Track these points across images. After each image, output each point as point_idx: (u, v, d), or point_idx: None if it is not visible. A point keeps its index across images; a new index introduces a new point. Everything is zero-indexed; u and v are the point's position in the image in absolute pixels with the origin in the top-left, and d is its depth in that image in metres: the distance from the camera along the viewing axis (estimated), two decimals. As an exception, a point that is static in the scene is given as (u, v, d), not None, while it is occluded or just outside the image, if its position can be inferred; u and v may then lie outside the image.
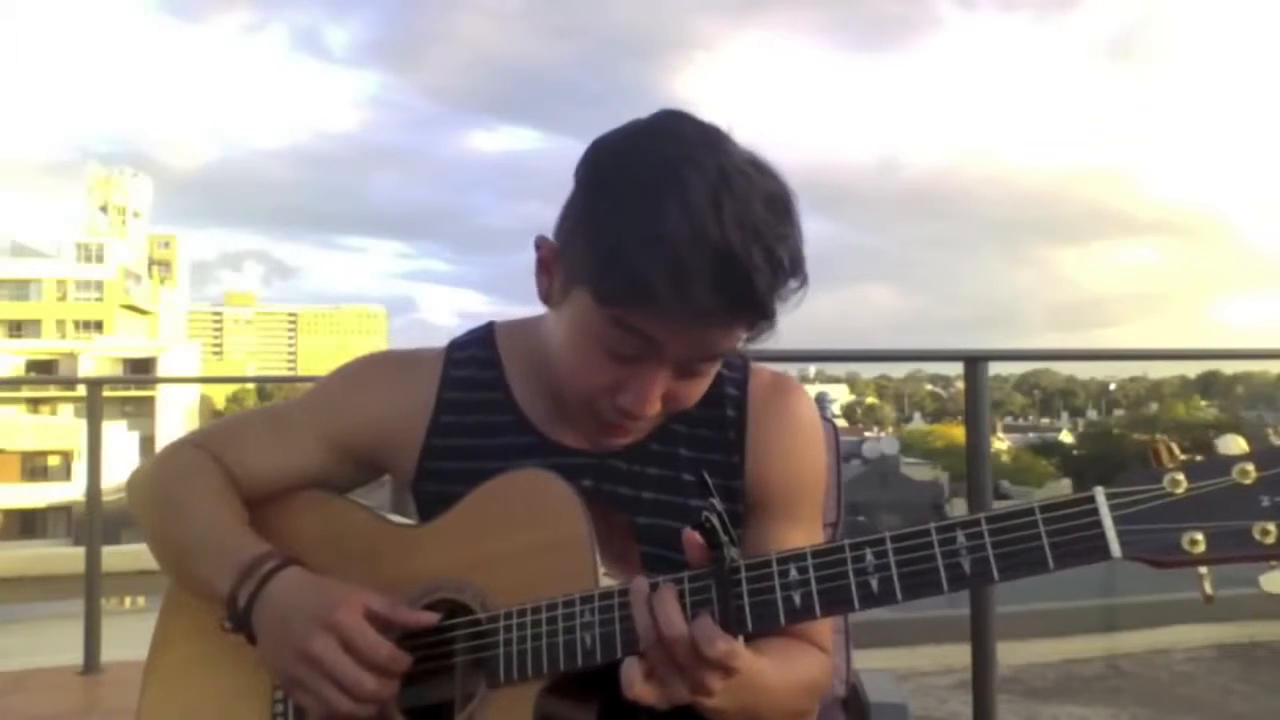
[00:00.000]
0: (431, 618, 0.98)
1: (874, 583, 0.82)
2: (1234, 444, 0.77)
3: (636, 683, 0.85)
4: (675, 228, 0.89)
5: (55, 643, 4.09)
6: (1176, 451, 0.78)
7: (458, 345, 1.17)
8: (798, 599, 0.84)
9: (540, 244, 1.03)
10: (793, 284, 0.95)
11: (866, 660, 1.56)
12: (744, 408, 1.10)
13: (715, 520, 0.85)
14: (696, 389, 1.03)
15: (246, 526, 1.08)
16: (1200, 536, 0.75)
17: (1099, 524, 0.77)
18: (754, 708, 0.92)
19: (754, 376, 1.13)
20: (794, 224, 0.95)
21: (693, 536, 0.87)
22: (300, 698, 0.97)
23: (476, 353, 1.15)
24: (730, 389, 1.11)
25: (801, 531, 1.09)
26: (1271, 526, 0.74)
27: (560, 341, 1.02)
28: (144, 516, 1.13)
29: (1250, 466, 0.75)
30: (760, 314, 0.94)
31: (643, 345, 0.95)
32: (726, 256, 0.89)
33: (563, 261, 1.00)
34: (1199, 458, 0.77)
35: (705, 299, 0.89)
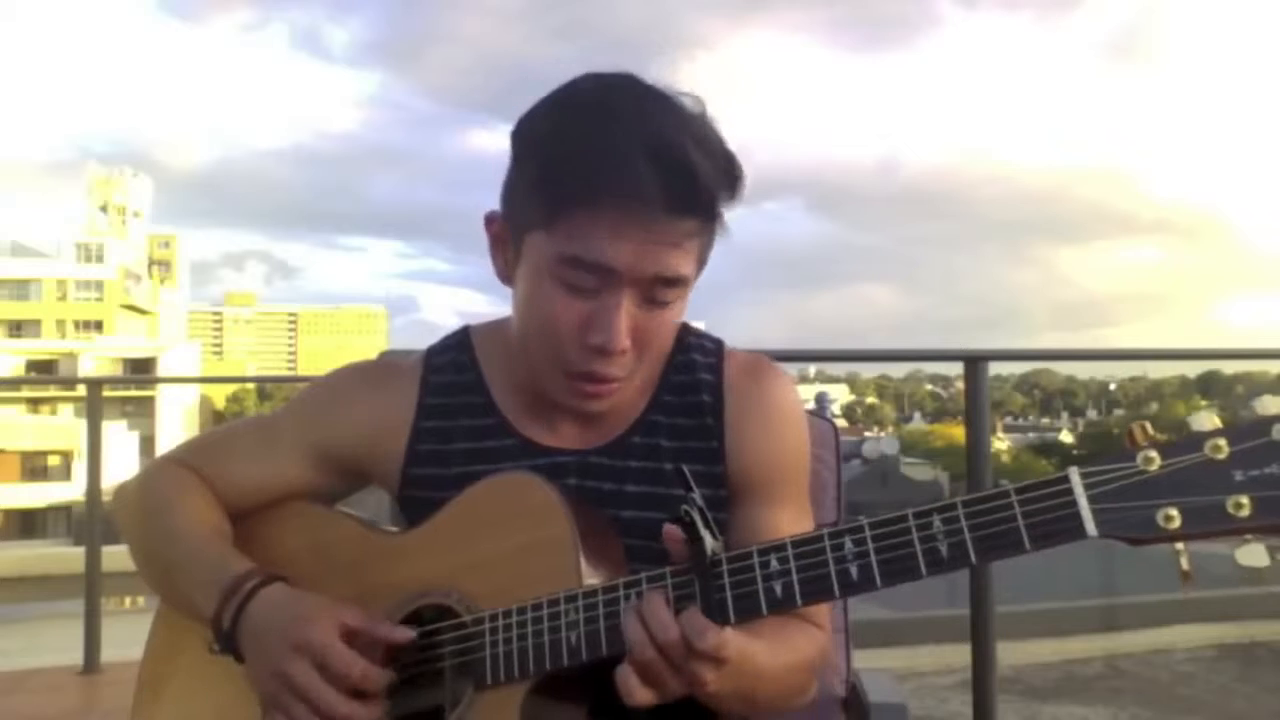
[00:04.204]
0: (409, 633, 0.98)
1: (853, 570, 0.83)
2: (1207, 420, 0.77)
3: (637, 690, 0.85)
4: (606, 128, 0.94)
5: (55, 643, 4.10)
6: (1150, 430, 0.78)
7: (435, 351, 1.17)
8: (779, 589, 0.85)
9: (490, 219, 1.07)
10: (730, 177, 0.98)
11: (866, 660, 1.56)
12: (720, 393, 1.10)
13: (695, 514, 0.85)
14: (663, 326, 1.02)
15: (229, 544, 1.08)
16: (1175, 512, 0.75)
17: (1074, 504, 0.77)
18: (749, 691, 0.92)
19: (728, 360, 1.13)
20: (717, 129, 0.99)
21: (673, 531, 0.87)
22: (279, 718, 0.97)
23: (454, 357, 1.16)
24: (705, 375, 1.11)
25: (787, 512, 1.09)
26: (1245, 500, 0.74)
27: (523, 302, 1.03)
28: (129, 535, 1.14)
29: (1223, 442, 0.75)
30: (700, 200, 0.96)
31: (600, 275, 0.96)
32: (660, 142, 0.93)
33: (510, 222, 1.03)
34: (1172, 436, 0.78)
35: (645, 181, 0.92)
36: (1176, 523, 0.75)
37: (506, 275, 1.06)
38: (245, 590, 0.99)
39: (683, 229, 0.96)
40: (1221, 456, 0.75)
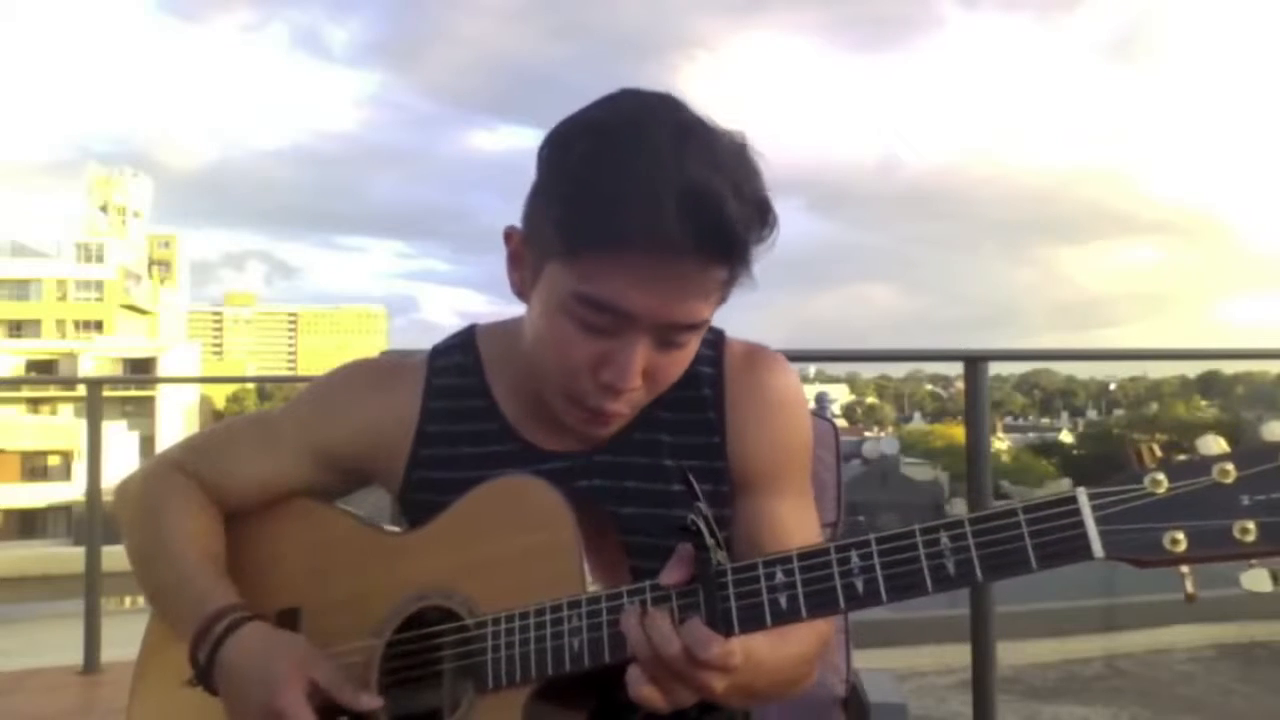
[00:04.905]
0: (375, 702, 0.98)
1: (859, 584, 0.83)
2: (1214, 444, 0.77)
3: (643, 685, 0.85)
4: (640, 166, 0.90)
5: (55, 643, 4.10)
6: (1158, 451, 0.78)
7: (440, 352, 1.16)
8: (784, 601, 0.85)
9: (509, 234, 1.04)
10: (763, 225, 0.94)
11: (866, 660, 1.56)
12: (720, 386, 1.09)
13: (701, 523, 0.85)
14: (677, 364, 1.01)
15: (215, 572, 1.08)
16: (1181, 536, 0.75)
17: (1081, 524, 0.77)
18: (749, 684, 0.92)
19: (728, 351, 1.11)
20: (756, 169, 0.96)
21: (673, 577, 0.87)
22: None
23: (459, 359, 1.15)
24: (705, 367, 1.09)
25: (789, 503, 1.09)
26: (1251, 525, 0.74)
27: (536, 325, 1.01)
28: (127, 541, 1.14)
29: (1230, 466, 0.76)
30: (733, 251, 0.92)
31: (617, 319, 0.94)
32: (694, 187, 0.89)
33: (531, 243, 1.00)
34: (1180, 458, 0.78)
35: (675, 229, 0.88)
36: (1183, 546, 0.75)
37: (523, 292, 1.04)
38: (217, 633, 1.01)
39: (711, 278, 0.94)
40: (1229, 481, 0.75)
